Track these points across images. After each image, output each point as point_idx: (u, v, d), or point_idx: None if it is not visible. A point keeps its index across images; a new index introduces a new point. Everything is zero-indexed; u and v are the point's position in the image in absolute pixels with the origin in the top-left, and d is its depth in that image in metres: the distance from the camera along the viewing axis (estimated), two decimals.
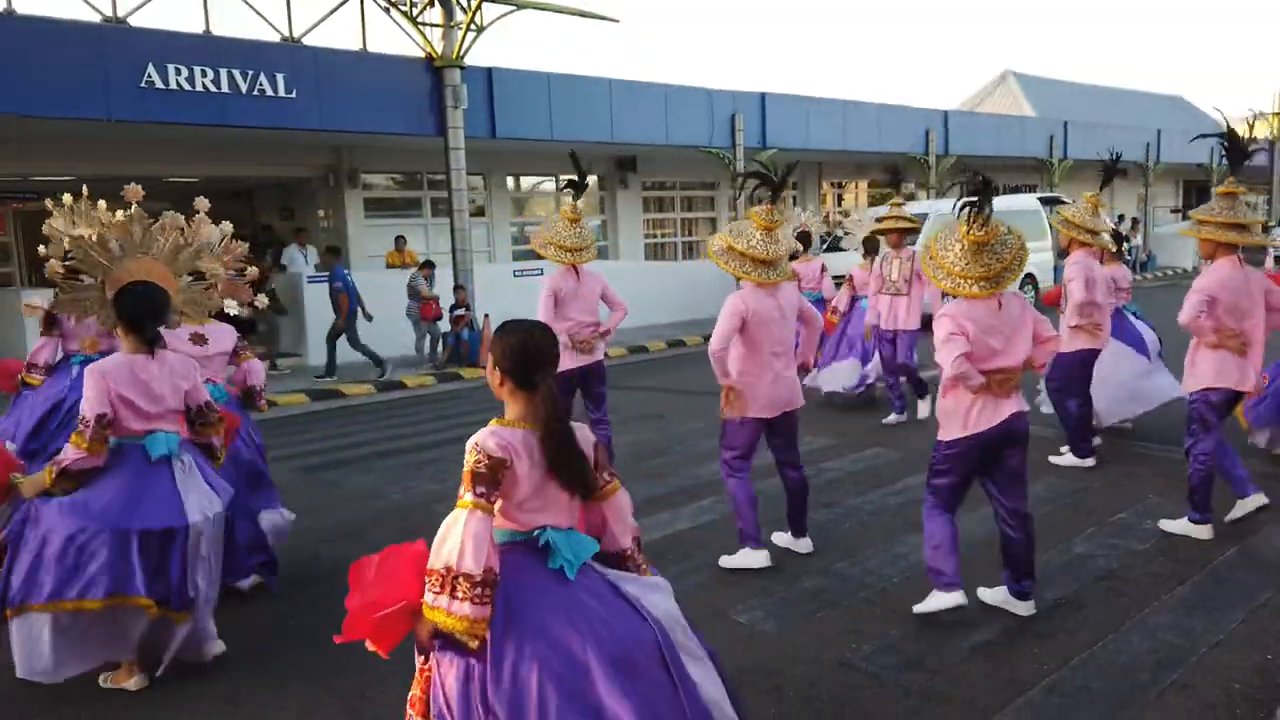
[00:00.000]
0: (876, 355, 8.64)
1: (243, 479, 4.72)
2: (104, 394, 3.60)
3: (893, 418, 8.30)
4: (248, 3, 12.84)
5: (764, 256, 4.64)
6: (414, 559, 2.45)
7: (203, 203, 4.59)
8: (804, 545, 5.13)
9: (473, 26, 13.19)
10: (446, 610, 2.31)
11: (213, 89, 11.42)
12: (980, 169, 4.26)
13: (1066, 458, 6.70)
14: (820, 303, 9.50)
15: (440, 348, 13.07)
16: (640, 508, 6.06)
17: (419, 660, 2.52)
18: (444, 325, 13.10)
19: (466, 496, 2.37)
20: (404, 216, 16.99)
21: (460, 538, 2.32)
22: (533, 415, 2.50)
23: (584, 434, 2.57)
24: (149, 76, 10.91)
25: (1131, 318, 7.29)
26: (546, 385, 2.47)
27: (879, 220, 8.54)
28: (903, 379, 8.28)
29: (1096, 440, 6.78)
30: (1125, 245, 7.76)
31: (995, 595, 4.31)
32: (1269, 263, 14.00)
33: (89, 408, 3.58)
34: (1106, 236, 6.88)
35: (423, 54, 13.22)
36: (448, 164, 13.41)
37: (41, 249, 4.65)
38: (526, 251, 16.73)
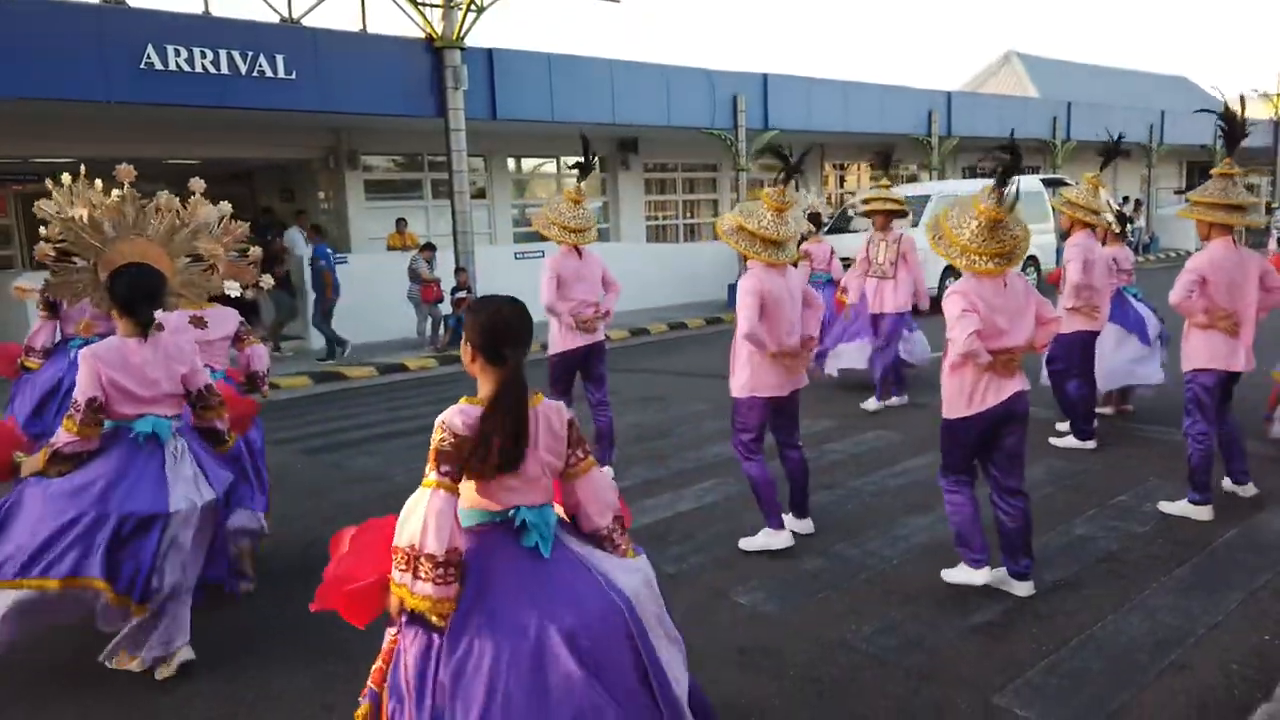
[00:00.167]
0: (902, 335, 8.60)
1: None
2: (95, 378, 3.58)
3: (894, 400, 8.32)
4: None
5: (774, 237, 4.67)
6: (391, 534, 2.46)
7: (198, 183, 4.51)
8: (805, 526, 5.14)
9: (473, 7, 13.09)
10: (410, 590, 2.31)
11: (212, 70, 11.36)
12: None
13: (1067, 440, 6.71)
14: (831, 284, 9.50)
15: (442, 330, 13.07)
16: (642, 489, 6.12)
17: (389, 633, 2.52)
18: (445, 308, 13.10)
19: (431, 475, 2.36)
20: (404, 198, 16.93)
21: (423, 518, 2.31)
22: None
23: (553, 411, 2.55)
24: (148, 58, 10.85)
25: (1133, 300, 7.29)
26: (515, 362, 2.45)
27: (865, 202, 8.50)
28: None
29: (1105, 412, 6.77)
30: (1129, 226, 7.73)
31: (994, 576, 4.33)
32: (1272, 244, 13.95)
33: (80, 392, 3.57)
34: (1109, 216, 6.87)
35: (423, 35, 13.14)
36: (448, 145, 13.36)
37: (42, 231, 4.62)
38: (528, 233, 16.69)
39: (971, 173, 25.10)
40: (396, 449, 7.65)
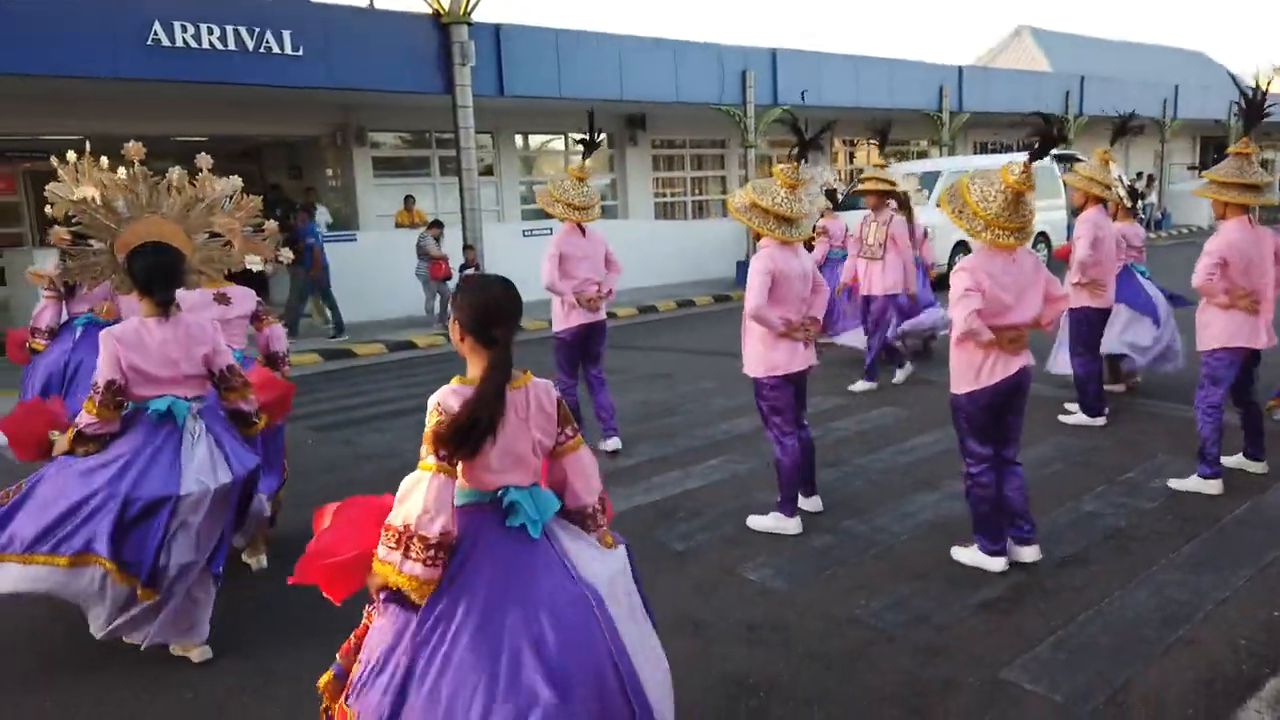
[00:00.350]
0: (929, 305, 8.61)
1: None
2: (115, 360, 3.58)
3: (899, 375, 8.31)
4: None
5: (787, 214, 4.63)
6: (376, 511, 2.45)
7: (205, 159, 4.45)
8: (814, 504, 5.15)
9: None
10: (397, 568, 2.30)
11: (219, 46, 11.33)
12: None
13: (1077, 416, 6.69)
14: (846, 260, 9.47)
15: (450, 307, 13.05)
16: (650, 467, 6.15)
17: (367, 610, 2.52)
18: (453, 285, 13.06)
19: (429, 459, 2.32)
20: (412, 176, 16.90)
21: (423, 500, 2.29)
22: None
23: (542, 389, 2.54)
24: (155, 34, 10.82)
25: (1140, 278, 7.22)
26: (505, 342, 2.43)
27: (862, 180, 8.45)
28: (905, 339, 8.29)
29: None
30: (1140, 203, 7.67)
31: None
32: None
33: (99, 374, 3.58)
34: (1121, 190, 6.82)
35: (430, 10, 13.06)
36: (456, 122, 13.30)
37: (48, 210, 4.61)
38: (535, 211, 16.64)
39: (983, 148, 24.93)
40: (407, 426, 7.67)
